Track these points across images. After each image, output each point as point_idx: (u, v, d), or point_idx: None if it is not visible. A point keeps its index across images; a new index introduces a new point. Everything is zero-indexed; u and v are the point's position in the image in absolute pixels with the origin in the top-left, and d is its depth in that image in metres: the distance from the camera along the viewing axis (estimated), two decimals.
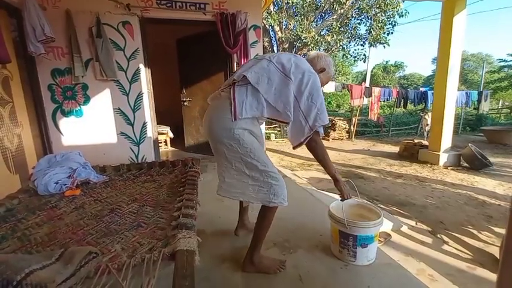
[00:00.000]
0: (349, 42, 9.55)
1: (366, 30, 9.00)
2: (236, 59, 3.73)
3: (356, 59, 9.71)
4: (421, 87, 18.02)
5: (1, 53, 2.17)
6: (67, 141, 3.29)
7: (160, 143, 4.69)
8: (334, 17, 8.98)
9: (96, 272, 0.77)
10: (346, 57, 10.01)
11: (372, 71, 20.99)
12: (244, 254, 1.56)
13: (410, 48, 77.19)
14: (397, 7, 8.29)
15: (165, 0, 3.36)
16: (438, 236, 2.23)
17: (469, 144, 4.39)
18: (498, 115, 11.66)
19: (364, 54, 9.49)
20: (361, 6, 8.41)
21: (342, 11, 8.63)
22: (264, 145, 1.61)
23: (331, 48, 9.50)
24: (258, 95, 1.31)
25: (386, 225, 2.18)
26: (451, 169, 4.24)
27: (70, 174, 1.55)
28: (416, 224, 2.44)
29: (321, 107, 1.33)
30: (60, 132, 3.27)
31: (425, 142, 5.11)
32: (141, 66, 3.42)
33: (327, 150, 1.50)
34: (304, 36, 8.48)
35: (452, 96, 4.41)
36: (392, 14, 8.48)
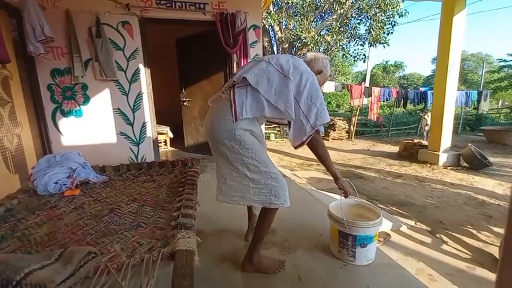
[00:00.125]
0: (349, 42, 9.56)
1: (366, 30, 9.01)
2: (236, 59, 3.73)
3: (356, 59, 9.71)
4: (421, 87, 18.06)
5: (1, 53, 2.17)
6: (66, 141, 3.29)
7: (160, 143, 4.69)
8: (334, 17, 8.98)
9: (96, 272, 0.77)
10: (346, 57, 10.01)
11: (371, 71, 20.99)
12: (244, 254, 1.56)
13: (410, 48, 77.34)
14: (397, 7, 8.30)
15: (165, 0, 3.36)
16: (437, 235, 2.23)
17: (469, 144, 4.40)
18: (498, 115, 11.67)
19: (364, 54, 9.50)
20: (361, 6, 8.41)
21: (342, 11, 8.63)
22: (265, 145, 1.62)
23: (331, 48, 9.51)
24: (258, 96, 1.31)
25: (386, 225, 2.18)
26: (451, 169, 4.25)
27: (69, 174, 1.55)
28: (415, 223, 2.44)
29: (321, 106, 1.33)
30: (60, 132, 3.27)
31: (424, 142, 5.11)
32: (141, 66, 3.42)
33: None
34: (304, 36, 8.48)
35: (452, 96, 4.41)
36: (392, 14, 8.49)
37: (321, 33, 9.20)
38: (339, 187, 1.60)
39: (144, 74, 3.46)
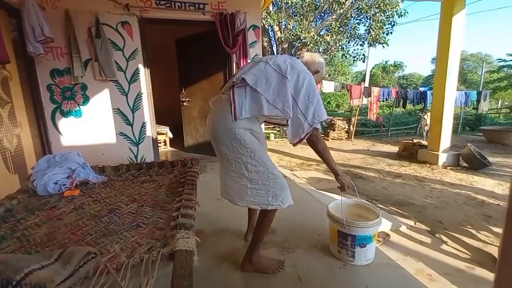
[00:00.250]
0: (349, 42, 9.56)
1: (365, 30, 9.00)
2: (235, 59, 3.73)
3: (355, 59, 9.71)
4: (420, 87, 18.03)
5: (0, 53, 2.17)
6: (66, 142, 3.29)
7: (160, 143, 4.69)
8: (334, 17, 8.99)
9: (95, 272, 0.78)
10: (346, 57, 10.01)
11: (371, 71, 20.97)
12: (243, 254, 1.56)
13: (410, 48, 77.31)
14: (396, 7, 8.29)
15: (164, 1, 3.36)
16: (437, 235, 2.23)
17: (468, 144, 4.40)
18: (497, 115, 11.67)
19: (364, 54, 9.50)
20: (361, 6, 8.41)
21: (341, 11, 8.63)
22: (265, 145, 1.64)
23: (331, 48, 9.51)
24: (257, 95, 1.34)
25: (385, 225, 2.18)
26: (450, 169, 4.25)
27: (69, 175, 1.55)
28: (415, 223, 2.44)
29: (318, 105, 1.37)
30: (59, 133, 3.27)
31: (424, 142, 5.11)
32: (140, 66, 3.42)
33: None
34: (303, 36, 8.48)
35: (452, 96, 4.41)
36: (391, 14, 8.49)
37: (321, 33, 9.20)
38: (338, 183, 1.61)
39: (144, 74, 3.46)
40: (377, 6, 8.30)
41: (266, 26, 8.93)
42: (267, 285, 1.47)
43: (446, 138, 4.47)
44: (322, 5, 9.00)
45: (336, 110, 13.01)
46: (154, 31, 4.02)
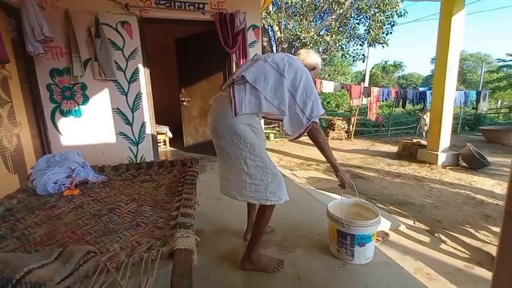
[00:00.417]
0: (348, 42, 9.56)
1: (365, 30, 9.01)
2: (235, 59, 3.73)
3: (355, 59, 9.73)
4: (420, 87, 18.02)
5: (0, 53, 2.17)
6: (66, 141, 3.29)
7: (159, 142, 4.69)
8: (333, 17, 8.99)
9: (95, 271, 0.78)
10: (345, 57, 10.02)
11: (370, 71, 20.96)
12: (243, 253, 1.56)
13: (409, 48, 77.34)
14: (396, 7, 8.30)
15: (164, 0, 3.36)
16: (436, 235, 2.24)
17: (468, 143, 4.41)
18: (497, 115, 11.67)
19: (363, 54, 9.51)
20: (360, 6, 8.41)
21: (341, 11, 8.64)
22: (264, 141, 1.68)
23: (330, 48, 9.51)
24: (256, 92, 1.37)
25: (384, 225, 2.18)
26: (450, 169, 4.25)
27: (69, 174, 1.55)
28: (414, 223, 2.44)
29: (315, 100, 1.41)
30: (59, 132, 3.27)
31: (423, 142, 5.12)
32: (140, 66, 3.42)
33: None
34: (303, 36, 8.49)
35: (451, 96, 4.42)
36: (391, 14, 8.49)
37: (320, 33, 9.20)
38: (338, 179, 1.61)
39: (143, 74, 3.46)
40: (377, 6, 8.31)
41: (266, 25, 8.93)
42: (266, 285, 1.47)
43: (445, 138, 4.48)
44: (322, 5, 9.01)
45: (336, 110, 13.00)
46: (154, 31, 4.01)
